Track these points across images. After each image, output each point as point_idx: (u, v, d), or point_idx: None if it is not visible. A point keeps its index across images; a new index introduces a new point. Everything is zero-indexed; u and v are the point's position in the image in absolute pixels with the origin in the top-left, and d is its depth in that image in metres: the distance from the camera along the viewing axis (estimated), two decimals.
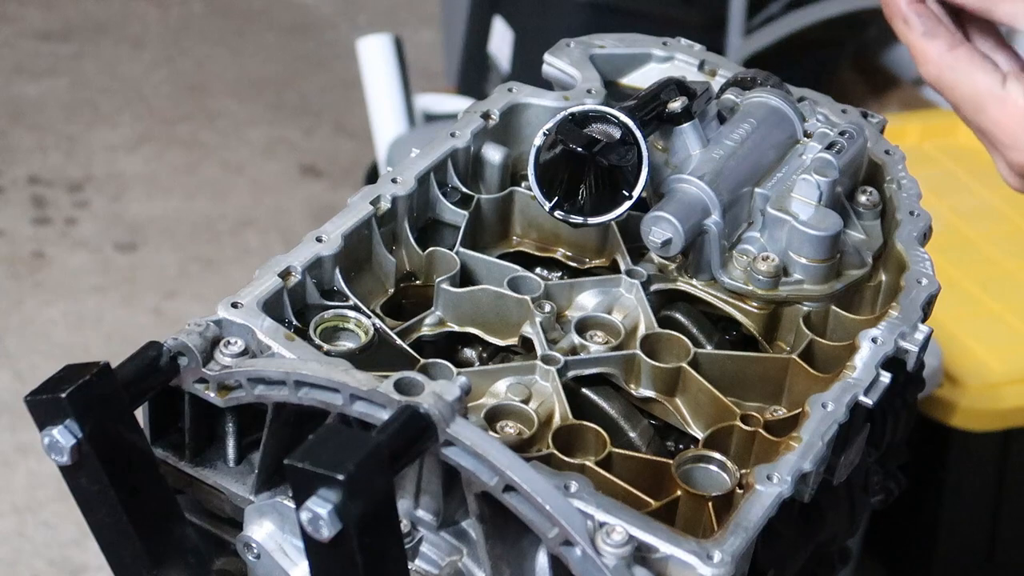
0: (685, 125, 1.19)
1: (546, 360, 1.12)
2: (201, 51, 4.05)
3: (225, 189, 3.53)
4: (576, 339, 1.15)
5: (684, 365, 1.13)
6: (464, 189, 1.25)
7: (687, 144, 1.20)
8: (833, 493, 1.21)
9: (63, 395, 0.94)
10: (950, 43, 0.89)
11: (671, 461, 1.06)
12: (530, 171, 1.16)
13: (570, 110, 1.16)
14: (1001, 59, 0.91)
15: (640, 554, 0.93)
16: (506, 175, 1.28)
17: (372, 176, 2.96)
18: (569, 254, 1.25)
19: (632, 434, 1.12)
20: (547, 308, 1.16)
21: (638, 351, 1.14)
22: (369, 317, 1.13)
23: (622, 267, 1.21)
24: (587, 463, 1.05)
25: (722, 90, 1.28)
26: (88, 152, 3.62)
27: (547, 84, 1.34)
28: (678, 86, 1.21)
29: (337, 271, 1.14)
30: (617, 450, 1.07)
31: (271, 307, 1.08)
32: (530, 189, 1.18)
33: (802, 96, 1.32)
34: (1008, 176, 0.90)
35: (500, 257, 1.24)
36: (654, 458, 1.08)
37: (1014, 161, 0.87)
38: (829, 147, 1.22)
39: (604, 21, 2.71)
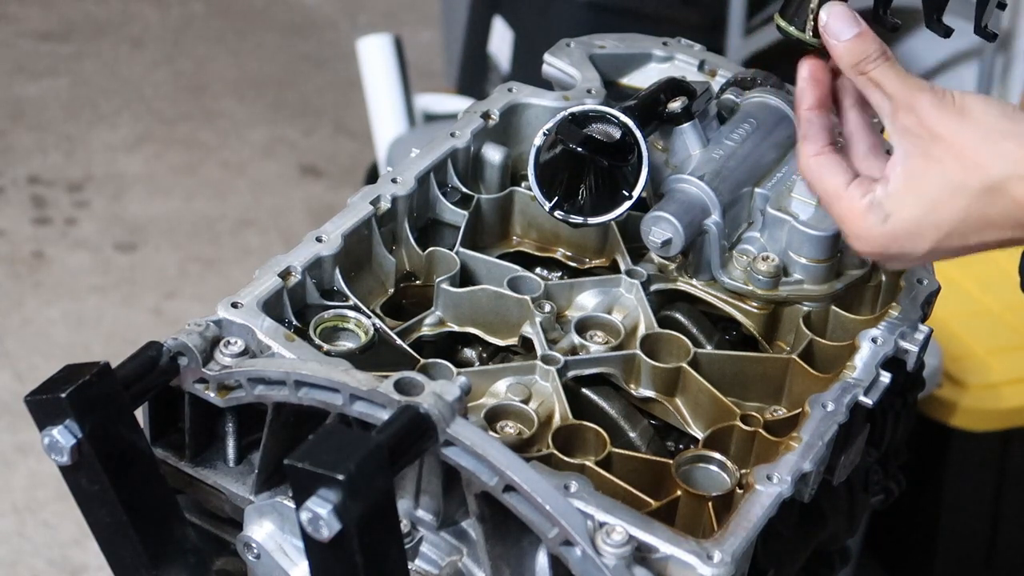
0: (685, 125, 1.19)
1: (546, 360, 1.12)
2: (201, 51, 4.05)
3: (225, 189, 3.53)
4: (576, 339, 1.15)
5: (684, 365, 1.13)
6: (464, 189, 1.25)
7: (687, 144, 1.20)
8: (833, 493, 1.21)
9: (63, 395, 0.93)
10: (818, 149, 1.07)
11: (671, 461, 1.06)
12: (530, 171, 1.16)
13: (570, 110, 1.16)
14: (867, 165, 1.07)
15: (640, 554, 0.93)
16: (506, 175, 1.28)
17: (372, 176, 2.96)
18: (569, 254, 1.25)
19: (632, 434, 1.12)
20: (547, 308, 1.16)
21: (638, 351, 1.14)
22: (369, 317, 1.13)
23: (622, 267, 1.21)
24: (587, 463, 1.05)
25: (722, 90, 1.28)
26: (88, 152, 3.61)
27: (547, 84, 1.34)
28: (678, 86, 1.21)
29: (337, 271, 1.14)
30: (617, 450, 1.07)
31: (271, 307, 1.08)
32: (530, 189, 1.18)
33: None
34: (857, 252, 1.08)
35: (500, 257, 1.24)
36: (654, 458, 1.08)
37: (853, 246, 1.06)
38: None
39: (604, 21, 2.71)
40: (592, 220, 1.16)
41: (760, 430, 1.08)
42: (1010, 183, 0.97)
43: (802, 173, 1.08)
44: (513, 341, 1.17)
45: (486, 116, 1.27)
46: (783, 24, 1.08)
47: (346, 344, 1.11)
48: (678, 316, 1.20)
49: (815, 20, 1.06)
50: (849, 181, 1.04)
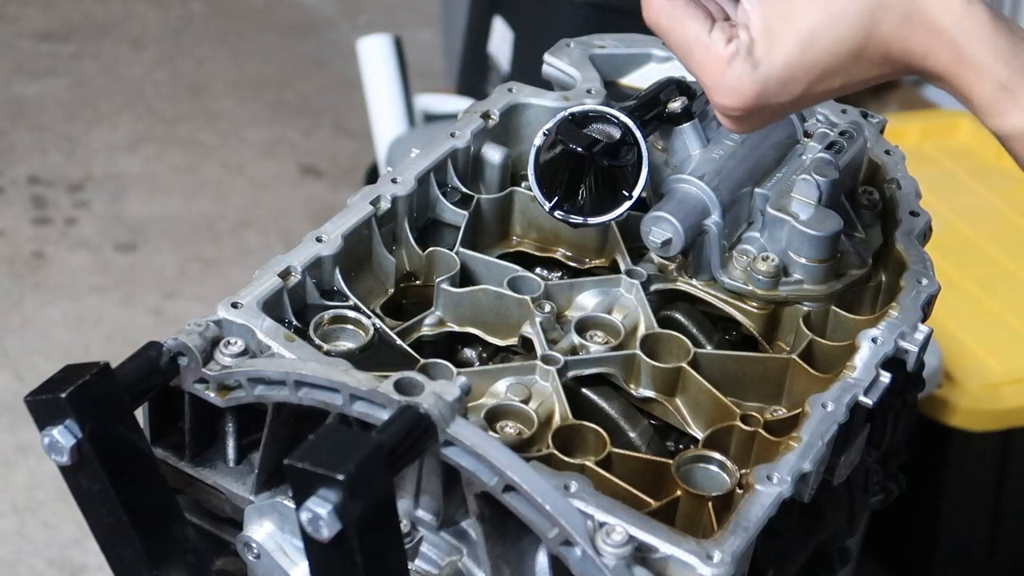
0: (685, 125, 1.19)
1: (546, 360, 1.12)
2: (201, 51, 4.05)
3: (225, 189, 3.53)
4: (576, 339, 1.15)
5: (684, 365, 1.13)
6: (464, 189, 1.25)
7: (687, 144, 1.20)
8: (833, 493, 1.21)
9: (63, 395, 0.93)
10: None
11: (671, 461, 1.06)
12: (530, 171, 1.16)
13: (570, 110, 1.16)
14: (722, 7, 0.98)
15: (640, 554, 0.93)
16: (506, 175, 1.28)
17: (372, 176, 2.96)
18: (569, 254, 1.25)
19: (632, 434, 1.12)
20: (547, 308, 1.16)
21: (638, 351, 1.14)
22: (369, 317, 1.13)
23: (622, 267, 1.21)
24: (587, 463, 1.05)
25: None
26: (88, 152, 3.62)
27: (547, 84, 1.34)
28: (678, 86, 1.21)
29: (337, 271, 1.14)
30: (617, 450, 1.07)
31: (271, 307, 1.08)
32: (530, 189, 1.18)
33: None
34: (721, 117, 0.98)
35: (500, 257, 1.24)
36: (654, 458, 1.08)
37: (717, 103, 0.95)
38: (829, 147, 1.22)
39: (604, 21, 2.71)
40: (592, 220, 1.16)
41: (760, 430, 1.08)
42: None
43: (651, 24, 0.97)
44: (513, 341, 1.17)
45: (486, 116, 1.27)
46: None
47: (346, 344, 1.11)
48: (678, 316, 1.20)
49: None
50: (710, 27, 0.95)
